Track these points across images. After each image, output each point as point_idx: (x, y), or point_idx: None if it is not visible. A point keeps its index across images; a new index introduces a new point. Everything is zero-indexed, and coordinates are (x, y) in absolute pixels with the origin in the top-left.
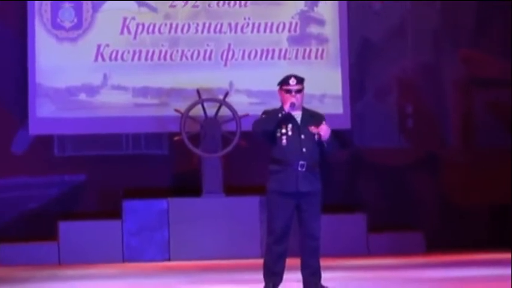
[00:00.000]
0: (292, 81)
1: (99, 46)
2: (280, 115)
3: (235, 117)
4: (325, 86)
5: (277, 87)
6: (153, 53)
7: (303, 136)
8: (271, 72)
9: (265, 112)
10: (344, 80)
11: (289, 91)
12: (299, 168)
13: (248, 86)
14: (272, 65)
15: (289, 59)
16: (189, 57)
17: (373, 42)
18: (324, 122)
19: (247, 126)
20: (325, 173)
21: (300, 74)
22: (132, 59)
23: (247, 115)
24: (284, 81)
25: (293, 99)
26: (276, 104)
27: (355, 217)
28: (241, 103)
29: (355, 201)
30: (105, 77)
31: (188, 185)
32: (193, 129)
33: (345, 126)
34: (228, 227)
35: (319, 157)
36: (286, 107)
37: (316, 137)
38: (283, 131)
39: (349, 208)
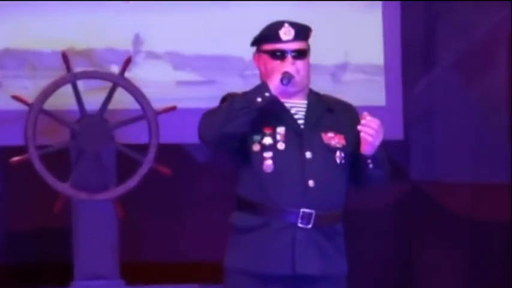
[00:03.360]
0: (286, 31)
1: None
2: (259, 100)
3: (146, 113)
4: (352, 46)
5: (253, 50)
6: None
7: (308, 154)
8: (231, 13)
9: (228, 96)
10: (389, 33)
11: (279, 53)
12: (299, 224)
13: (176, 45)
14: None
15: None
16: None
17: None
18: (364, 116)
19: (172, 134)
20: (350, 232)
21: (304, 21)
22: None
23: (173, 108)
24: (267, 34)
25: (289, 68)
26: (242, 86)
27: None
28: (161, 82)
29: None
30: None
31: (44, 262)
32: (54, 141)
33: (392, 136)
34: None
35: (344, 200)
36: (274, 83)
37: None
38: (267, 140)
39: None
